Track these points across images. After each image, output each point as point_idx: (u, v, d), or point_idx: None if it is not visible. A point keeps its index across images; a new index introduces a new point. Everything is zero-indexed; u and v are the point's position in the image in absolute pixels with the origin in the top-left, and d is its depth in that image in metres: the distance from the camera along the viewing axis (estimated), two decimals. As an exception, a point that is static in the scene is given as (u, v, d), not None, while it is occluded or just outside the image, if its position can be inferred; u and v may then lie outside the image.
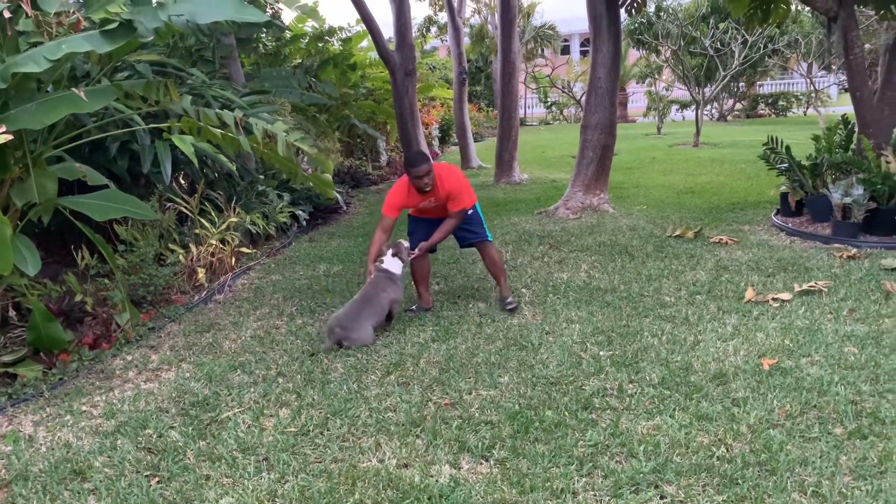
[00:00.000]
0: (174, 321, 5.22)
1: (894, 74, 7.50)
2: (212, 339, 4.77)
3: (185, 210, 6.48)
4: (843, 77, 9.98)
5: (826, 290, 5.05)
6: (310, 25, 12.39)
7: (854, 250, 6.09)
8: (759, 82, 29.27)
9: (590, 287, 5.57)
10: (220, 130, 4.67)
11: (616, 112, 8.87)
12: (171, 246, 6.07)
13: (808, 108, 27.46)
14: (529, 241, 7.25)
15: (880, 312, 4.56)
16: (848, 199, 6.48)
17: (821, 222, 7.02)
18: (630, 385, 3.71)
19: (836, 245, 6.35)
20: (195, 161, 5.13)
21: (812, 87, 23.12)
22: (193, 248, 6.07)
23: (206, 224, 6.36)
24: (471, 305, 5.25)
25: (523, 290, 5.58)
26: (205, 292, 5.82)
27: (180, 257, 5.96)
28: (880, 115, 7.31)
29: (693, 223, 7.60)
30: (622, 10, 8.48)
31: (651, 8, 19.14)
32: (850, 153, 7.14)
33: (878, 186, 6.43)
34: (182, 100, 4.83)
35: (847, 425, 3.14)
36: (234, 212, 6.77)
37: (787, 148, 7.56)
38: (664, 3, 19.65)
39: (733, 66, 19.18)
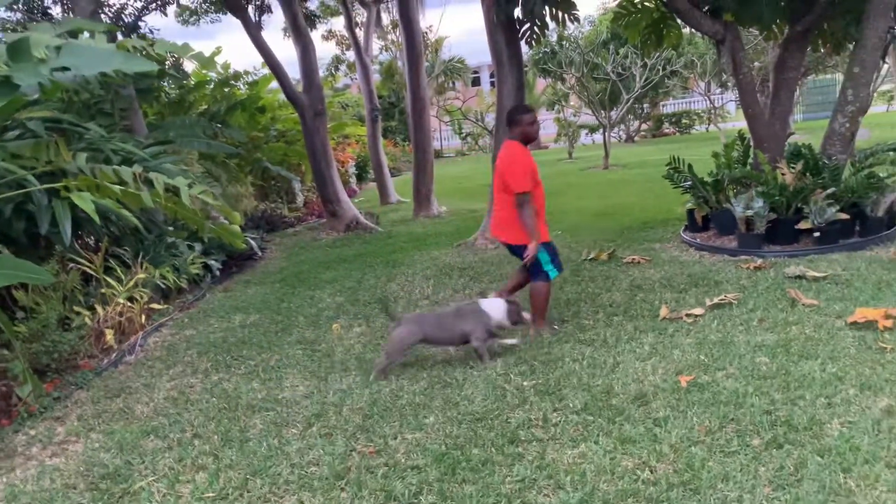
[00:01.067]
0: (82, 388, 4.94)
1: (782, 91, 7.93)
2: (122, 405, 4.53)
3: (89, 269, 6.20)
4: (738, 96, 10.52)
5: (736, 302, 5.22)
6: (214, 71, 12.22)
7: (759, 261, 6.33)
8: (661, 103, 30.46)
9: (511, 317, 5.57)
10: (119, 187, 4.50)
11: (525, 141, 9.01)
12: (76, 308, 5.78)
13: (709, 124, 28.72)
14: (450, 275, 7.24)
15: (787, 320, 4.73)
16: (750, 212, 6.75)
17: (727, 235, 7.28)
18: (554, 414, 3.71)
19: (743, 257, 6.59)
20: (97, 219, 4.91)
21: (711, 105, 24.25)
22: (100, 309, 5.79)
23: (113, 282, 6.09)
24: (393, 345, 5.17)
25: (445, 324, 5.54)
26: (114, 354, 5.55)
27: (86, 319, 5.67)
28: (772, 129, 7.69)
29: (606, 245, 7.77)
30: (522, 42, 8.67)
31: (553, 38, 19.73)
32: (748, 168, 7.46)
33: (777, 198, 6.72)
34: (76, 157, 4.64)
35: (763, 436, 3.21)
36: (142, 267, 6.51)
37: (690, 166, 7.84)
38: (565, 32, 20.27)
39: (636, 89, 19.93)
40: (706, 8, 7.71)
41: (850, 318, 4.53)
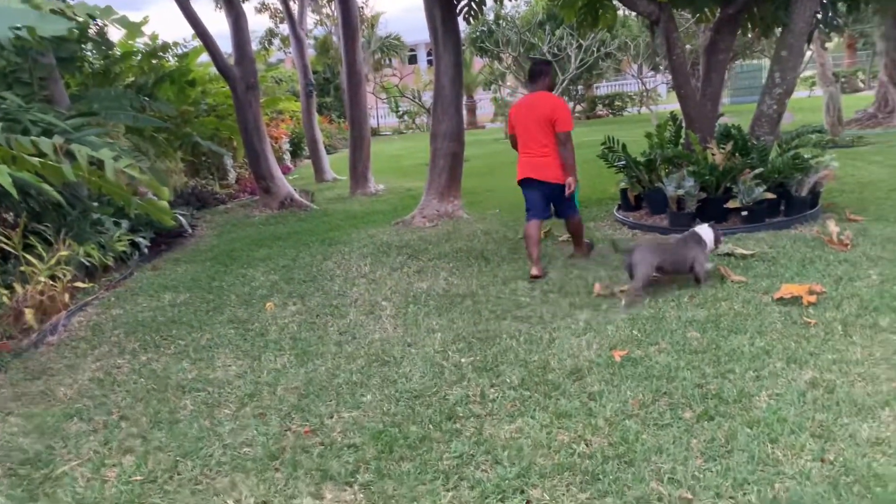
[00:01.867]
0: (-1, 371, 4.71)
1: (713, 72, 8.09)
2: (44, 387, 4.34)
3: (6, 246, 5.90)
4: (671, 77, 10.69)
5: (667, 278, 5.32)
6: (142, 42, 11.72)
7: (690, 239, 6.46)
8: (595, 84, 30.86)
9: (449, 294, 5.57)
10: (38, 159, 4.28)
11: (463, 119, 8.99)
12: (-7, 287, 5.50)
13: (641, 106, 29.24)
14: (388, 253, 7.18)
15: (717, 296, 4.85)
16: (681, 191, 6.89)
17: (658, 214, 7.42)
18: (492, 390, 3.72)
19: (674, 235, 6.71)
20: (14, 192, 4.66)
21: (643, 87, 24.68)
22: (19, 288, 5.52)
23: (33, 260, 5.81)
24: (330, 325, 5.10)
25: (384, 302, 5.50)
26: (35, 335, 5.30)
27: (4, 299, 5.40)
28: (703, 110, 7.84)
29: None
30: (460, 19, 8.60)
31: (490, 16, 19.70)
32: (679, 148, 7.60)
33: (707, 177, 6.87)
34: (-10, 127, 4.38)
35: (695, 409, 3.29)
36: (65, 244, 6.23)
37: (624, 146, 7.94)
38: (502, 10, 20.27)
39: (571, 70, 20.09)
40: (641, -12, 7.78)
41: (777, 293, 4.67)
